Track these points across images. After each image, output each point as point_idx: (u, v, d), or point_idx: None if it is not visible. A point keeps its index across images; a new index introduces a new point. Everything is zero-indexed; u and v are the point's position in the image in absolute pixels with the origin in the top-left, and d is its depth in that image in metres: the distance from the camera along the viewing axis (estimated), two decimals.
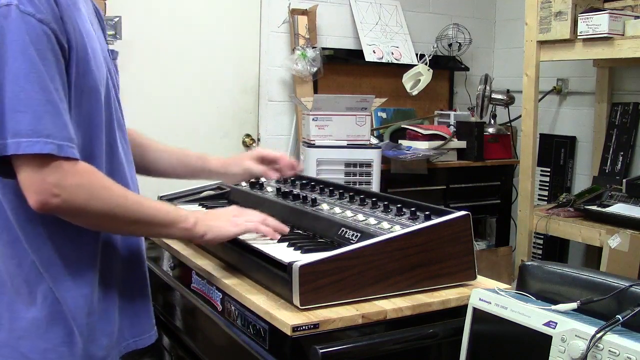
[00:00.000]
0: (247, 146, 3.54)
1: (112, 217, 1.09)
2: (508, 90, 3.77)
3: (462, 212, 1.28)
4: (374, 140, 3.36)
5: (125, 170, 1.22)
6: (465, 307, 1.09)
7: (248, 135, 3.54)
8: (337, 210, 1.47)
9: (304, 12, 3.53)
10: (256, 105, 3.56)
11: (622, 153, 3.40)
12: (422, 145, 3.32)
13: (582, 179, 3.72)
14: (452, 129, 3.57)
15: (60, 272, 1.10)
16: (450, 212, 1.29)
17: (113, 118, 1.18)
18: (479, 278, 1.32)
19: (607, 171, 3.42)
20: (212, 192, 1.87)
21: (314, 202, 1.54)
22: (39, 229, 1.09)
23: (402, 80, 3.62)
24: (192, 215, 1.23)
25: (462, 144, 3.49)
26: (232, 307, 1.27)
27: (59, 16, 1.03)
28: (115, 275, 1.20)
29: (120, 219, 1.11)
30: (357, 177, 2.94)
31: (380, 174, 3.01)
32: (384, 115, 3.75)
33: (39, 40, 1.00)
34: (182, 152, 1.53)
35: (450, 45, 3.88)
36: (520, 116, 3.31)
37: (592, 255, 3.44)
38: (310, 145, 2.94)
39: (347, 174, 2.93)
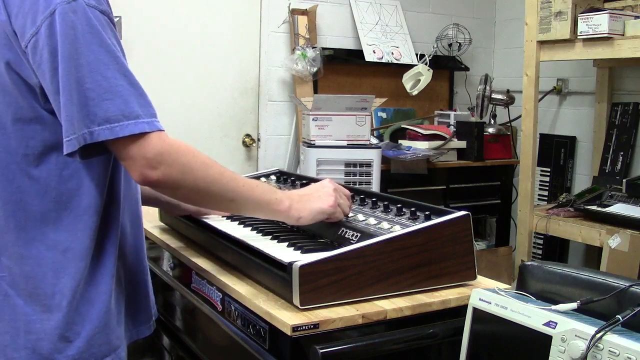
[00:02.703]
0: (247, 146, 3.54)
1: (209, 193, 1.14)
2: (508, 90, 3.77)
3: (462, 212, 1.28)
4: (374, 140, 3.36)
5: None
6: (465, 307, 1.09)
7: (248, 135, 3.54)
8: None
9: (304, 12, 3.53)
10: (256, 105, 3.56)
11: (622, 153, 3.40)
12: (422, 145, 3.32)
13: (582, 179, 3.72)
14: (452, 129, 3.57)
15: (84, 269, 1.10)
16: (450, 212, 1.29)
17: None
18: (479, 278, 1.32)
19: (607, 171, 3.42)
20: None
21: None
22: (68, 224, 1.09)
23: (402, 80, 3.62)
24: (287, 197, 1.25)
25: (462, 144, 3.49)
26: (232, 307, 1.27)
27: (111, 10, 1.09)
28: (125, 263, 1.21)
29: (216, 195, 1.15)
30: (357, 177, 2.94)
31: (380, 174, 3.01)
32: (384, 115, 3.75)
33: (107, 29, 1.04)
34: None
35: (450, 45, 3.88)
36: (520, 116, 3.31)
37: (592, 255, 3.44)
38: (310, 145, 2.94)
39: (347, 174, 2.93)
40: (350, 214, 1.41)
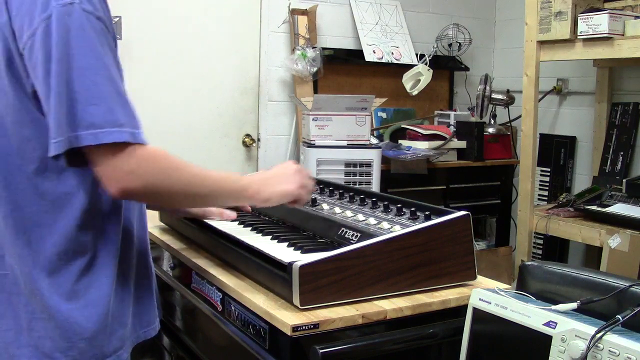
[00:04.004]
0: (247, 146, 3.54)
1: (186, 195, 1.14)
2: (508, 90, 3.77)
3: (462, 212, 1.28)
4: (374, 140, 3.36)
5: None
6: (465, 307, 1.10)
7: (248, 135, 3.54)
8: (337, 210, 1.47)
9: (304, 12, 3.53)
10: (256, 105, 3.56)
11: (622, 153, 3.40)
12: (422, 145, 3.32)
13: (582, 179, 3.72)
14: (452, 129, 3.57)
15: (81, 271, 1.11)
16: (450, 212, 1.29)
17: None
18: (479, 278, 1.32)
19: (607, 171, 3.42)
20: None
21: (314, 202, 1.54)
22: (64, 226, 1.09)
23: (402, 80, 3.62)
24: (254, 182, 1.26)
25: (462, 144, 3.49)
26: (232, 307, 1.27)
27: (109, 15, 1.09)
28: (130, 265, 1.21)
29: (192, 195, 1.16)
30: (357, 177, 2.94)
31: (380, 174, 3.01)
32: (384, 115, 3.75)
33: (100, 36, 1.04)
34: None
35: (450, 45, 3.88)
36: (520, 116, 3.31)
37: (592, 255, 3.44)
38: (310, 145, 2.94)
39: (347, 174, 2.93)
40: (350, 214, 1.41)
